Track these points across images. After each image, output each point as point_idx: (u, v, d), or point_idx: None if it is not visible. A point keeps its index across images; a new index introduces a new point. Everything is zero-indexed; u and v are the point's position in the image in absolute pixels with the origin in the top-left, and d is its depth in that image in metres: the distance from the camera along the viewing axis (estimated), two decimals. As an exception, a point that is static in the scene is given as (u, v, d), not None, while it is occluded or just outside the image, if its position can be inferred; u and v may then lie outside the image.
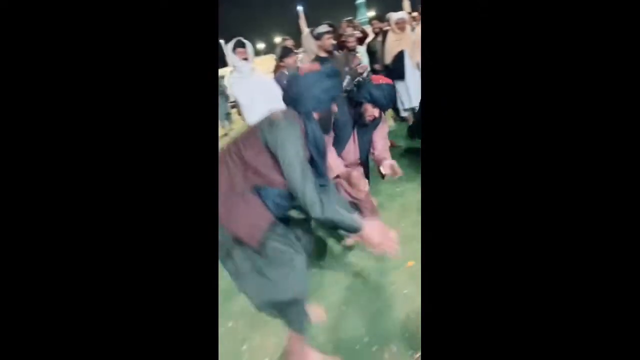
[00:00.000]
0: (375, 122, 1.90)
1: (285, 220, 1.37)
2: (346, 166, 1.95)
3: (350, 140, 1.92)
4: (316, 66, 1.42)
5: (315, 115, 1.34)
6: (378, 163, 2.00)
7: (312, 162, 1.29)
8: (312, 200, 1.19)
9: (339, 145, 1.92)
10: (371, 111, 1.81)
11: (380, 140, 2.01)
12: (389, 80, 1.89)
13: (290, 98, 1.34)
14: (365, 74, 3.15)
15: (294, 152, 1.19)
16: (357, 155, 2.01)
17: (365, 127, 1.91)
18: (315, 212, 1.19)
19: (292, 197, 1.26)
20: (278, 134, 1.20)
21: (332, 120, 1.55)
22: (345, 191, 1.94)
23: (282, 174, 1.22)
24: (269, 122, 1.26)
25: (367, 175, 2.07)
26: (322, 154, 1.34)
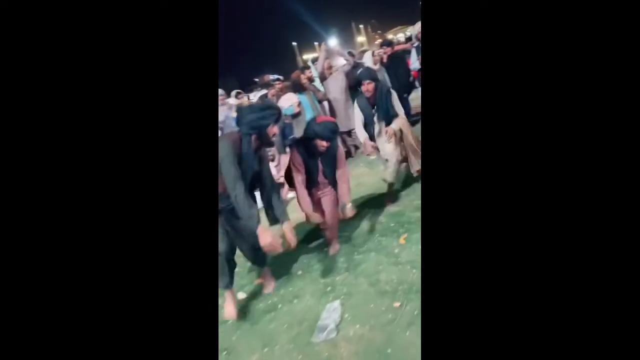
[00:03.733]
0: (331, 152, 2.42)
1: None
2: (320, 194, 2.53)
3: (320, 174, 2.48)
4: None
5: (253, 136, 1.95)
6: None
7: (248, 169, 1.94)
8: (237, 205, 1.87)
9: (311, 179, 2.46)
10: (320, 143, 2.31)
11: (342, 183, 2.51)
12: (331, 119, 2.57)
13: (237, 122, 1.94)
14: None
15: (227, 164, 1.85)
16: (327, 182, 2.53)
17: (327, 157, 2.44)
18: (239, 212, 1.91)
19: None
20: (220, 149, 1.84)
21: (272, 139, 2.05)
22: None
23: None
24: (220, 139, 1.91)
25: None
26: (252, 165, 1.99)
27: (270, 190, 2.13)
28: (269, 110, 1.98)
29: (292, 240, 2.10)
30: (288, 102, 4.08)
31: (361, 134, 2.95)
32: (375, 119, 2.90)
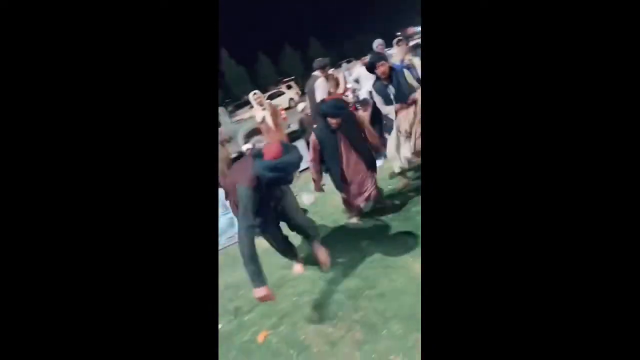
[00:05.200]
0: (348, 123, 2.59)
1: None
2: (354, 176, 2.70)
3: (341, 149, 2.64)
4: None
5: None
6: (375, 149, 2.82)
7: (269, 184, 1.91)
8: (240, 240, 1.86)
9: (331, 160, 2.66)
10: (332, 121, 2.50)
11: (369, 135, 2.74)
12: (337, 96, 2.89)
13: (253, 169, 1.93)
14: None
15: (241, 187, 1.87)
16: (357, 157, 2.68)
17: (346, 132, 2.61)
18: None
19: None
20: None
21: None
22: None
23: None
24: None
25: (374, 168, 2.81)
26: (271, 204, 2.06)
27: (296, 214, 2.21)
28: (288, 166, 1.87)
29: (327, 260, 2.17)
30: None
31: (385, 109, 3.04)
32: (392, 97, 2.93)
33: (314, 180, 2.82)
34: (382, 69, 2.87)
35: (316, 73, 4.10)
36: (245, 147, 4.64)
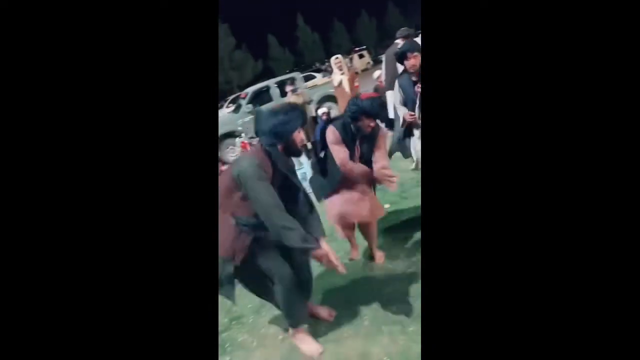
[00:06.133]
0: (374, 132, 2.13)
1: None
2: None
3: (355, 154, 2.16)
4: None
5: (279, 146, 1.61)
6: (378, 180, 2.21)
7: (284, 186, 1.59)
8: (277, 227, 1.47)
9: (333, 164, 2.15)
10: (367, 122, 2.04)
11: (380, 157, 2.19)
12: (375, 94, 2.20)
13: (256, 132, 1.60)
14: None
15: (258, 186, 1.48)
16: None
17: (367, 140, 2.16)
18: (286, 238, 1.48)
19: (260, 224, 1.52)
20: (242, 169, 1.50)
21: (300, 146, 1.71)
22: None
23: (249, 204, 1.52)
24: (237, 157, 1.53)
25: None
26: (294, 173, 1.68)
27: (304, 204, 1.76)
28: (291, 112, 1.63)
29: (339, 264, 1.69)
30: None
31: (401, 110, 2.53)
32: (418, 100, 2.37)
33: (345, 165, 2.07)
34: (413, 61, 2.32)
35: (399, 41, 3.80)
36: (320, 111, 4.71)
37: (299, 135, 1.66)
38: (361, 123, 2.04)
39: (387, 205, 2.48)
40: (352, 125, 2.09)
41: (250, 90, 7.78)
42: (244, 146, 5.15)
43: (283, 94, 7.39)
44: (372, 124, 2.04)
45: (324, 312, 1.91)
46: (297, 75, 8.07)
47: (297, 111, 1.65)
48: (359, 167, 2.13)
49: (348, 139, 2.10)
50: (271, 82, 7.97)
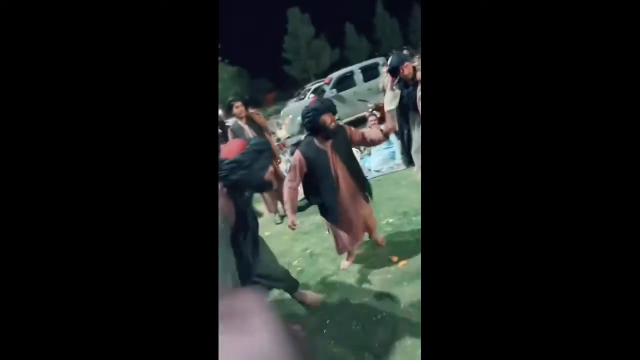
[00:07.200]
0: (342, 130, 2.17)
1: None
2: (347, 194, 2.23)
3: (331, 169, 2.15)
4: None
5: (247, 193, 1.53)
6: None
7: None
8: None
9: (324, 183, 2.16)
10: (326, 119, 2.05)
11: (370, 132, 2.25)
12: (317, 97, 2.30)
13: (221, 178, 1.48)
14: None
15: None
16: (349, 176, 2.23)
17: (339, 145, 2.16)
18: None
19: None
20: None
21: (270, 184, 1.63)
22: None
23: None
24: None
25: (369, 192, 2.37)
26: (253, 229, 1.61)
27: (253, 245, 1.68)
28: (260, 155, 1.49)
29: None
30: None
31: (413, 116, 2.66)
32: (420, 103, 2.50)
33: (287, 209, 2.19)
34: (406, 70, 2.53)
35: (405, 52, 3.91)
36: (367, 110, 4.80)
37: (269, 176, 1.57)
38: (322, 122, 2.07)
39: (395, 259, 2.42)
40: (315, 140, 2.14)
41: (335, 75, 8.05)
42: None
43: (366, 78, 7.69)
44: (332, 119, 2.08)
45: (311, 297, 2.00)
46: (381, 60, 8.10)
47: (263, 151, 1.53)
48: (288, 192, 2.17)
49: (315, 154, 2.12)
50: (355, 68, 8.17)
